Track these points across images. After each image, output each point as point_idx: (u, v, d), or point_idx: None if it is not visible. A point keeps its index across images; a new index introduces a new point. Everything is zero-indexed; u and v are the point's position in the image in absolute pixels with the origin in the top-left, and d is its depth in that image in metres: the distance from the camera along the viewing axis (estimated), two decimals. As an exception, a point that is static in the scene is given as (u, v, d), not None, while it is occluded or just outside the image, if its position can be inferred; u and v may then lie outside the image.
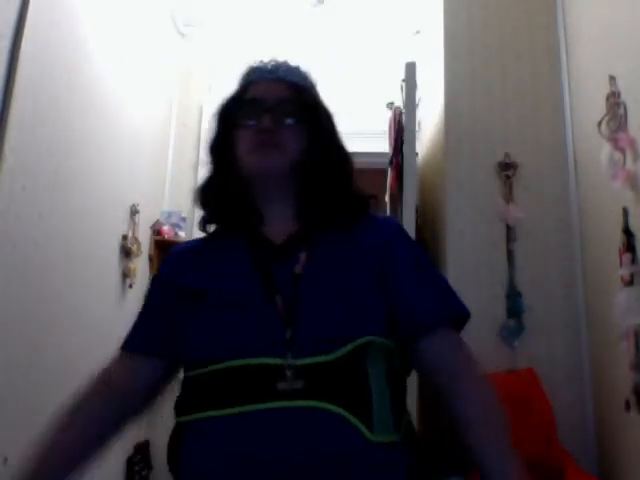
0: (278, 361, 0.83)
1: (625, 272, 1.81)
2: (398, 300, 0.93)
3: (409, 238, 1.05)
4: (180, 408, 0.91)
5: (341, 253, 0.96)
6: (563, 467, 1.95)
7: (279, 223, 1.00)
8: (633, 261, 1.79)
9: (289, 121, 1.00)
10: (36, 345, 1.87)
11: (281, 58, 1.10)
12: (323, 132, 1.03)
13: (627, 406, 1.81)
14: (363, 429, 0.81)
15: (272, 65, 1.08)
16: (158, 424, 2.99)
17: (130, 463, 2.74)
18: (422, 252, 1.04)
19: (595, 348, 2.19)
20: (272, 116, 0.98)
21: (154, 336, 1.02)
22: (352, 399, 0.83)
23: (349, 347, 0.85)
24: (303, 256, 0.93)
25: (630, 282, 1.79)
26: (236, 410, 0.82)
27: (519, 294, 2.32)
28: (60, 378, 2.03)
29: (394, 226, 1.05)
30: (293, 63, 1.10)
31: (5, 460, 1.64)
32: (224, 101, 1.10)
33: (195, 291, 0.94)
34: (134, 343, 1.06)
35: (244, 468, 0.79)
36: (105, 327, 2.46)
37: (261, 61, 1.10)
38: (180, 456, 0.87)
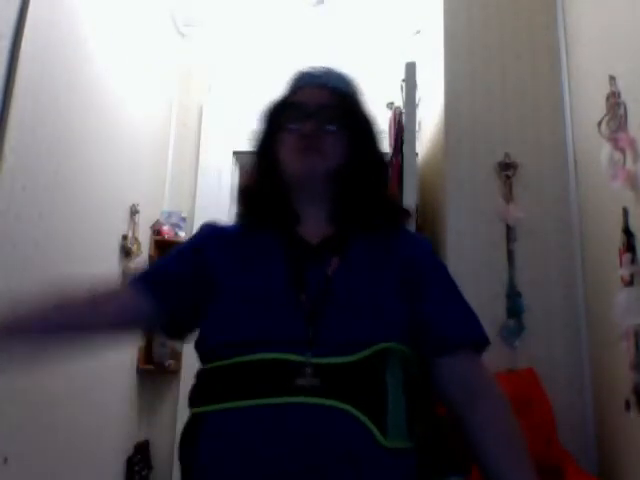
0: (298, 358, 0.84)
1: (625, 272, 1.81)
2: (424, 316, 0.96)
3: (439, 259, 1.08)
4: (196, 399, 0.91)
5: (372, 260, 0.98)
6: (563, 467, 1.95)
7: (314, 224, 1.02)
8: (633, 261, 1.79)
9: (331, 127, 1.02)
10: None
11: (327, 64, 1.12)
12: (364, 139, 1.06)
13: (627, 406, 1.81)
14: (376, 433, 0.82)
15: (318, 71, 1.10)
16: (158, 424, 2.99)
17: (130, 463, 2.75)
18: (450, 274, 1.06)
19: (595, 348, 2.19)
20: (315, 121, 1.01)
21: (166, 290, 1.01)
22: (368, 402, 0.84)
23: (369, 351, 0.86)
24: (335, 260, 0.95)
25: (630, 282, 1.79)
26: (253, 403, 0.82)
27: (519, 294, 2.32)
28: (60, 378, 2.03)
29: (426, 245, 1.08)
30: (338, 70, 1.12)
31: (5, 460, 1.64)
32: (270, 103, 1.12)
33: (225, 283, 0.96)
34: (144, 284, 1.03)
35: (257, 461, 0.80)
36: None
37: (309, 66, 1.12)
38: (194, 447, 0.87)
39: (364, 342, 0.87)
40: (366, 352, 0.86)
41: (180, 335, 1.07)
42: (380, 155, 1.10)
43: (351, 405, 0.82)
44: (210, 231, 1.09)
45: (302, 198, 1.04)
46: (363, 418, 0.82)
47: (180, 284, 1.01)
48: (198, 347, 0.95)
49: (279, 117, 1.07)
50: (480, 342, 0.98)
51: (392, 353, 0.89)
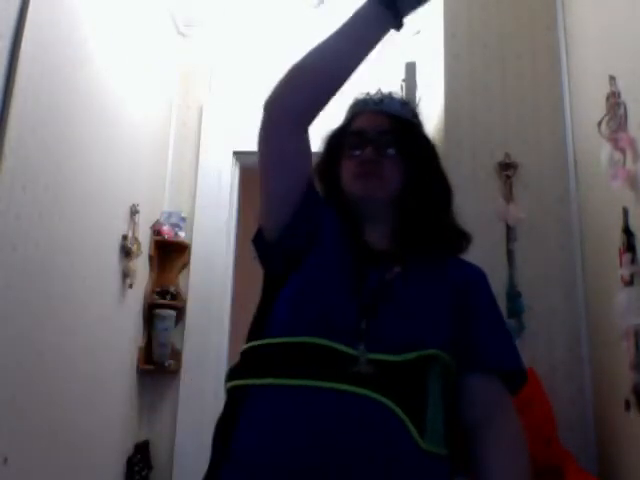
0: (349, 350, 0.87)
1: (625, 272, 1.81)
2: (470, 340, 0.99)
3: (491, 289, 1.11)
4: (238, 374, 0.94)
5: (429, 277, 1.02)
6: (563, 467, 1.95)
7: (376, 240, 1.06)
8: (633, 261, 1.79)
9: (390, 152, 1.07)
10: (36, 345, 1.87)
11: (385, 89, 1.18)
12: (423, 163, 1.09)
13: (627, 406, 1.81)
14: (415, 434, 0.85)
15: (377, 97, 1.15)
16: (158, 424, 2.99)
17: (130, 463, 2.75)
18: (498, 308, 1.09)
19: (595, 348, 2.19)
20: (374, 147, 1.06)
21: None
22: (410, 403, 0.87)
23: (416, 354, 0.89)
24: (397, 269, 0.99)
25: (630, 282, 1.79)
26: (303, 383, 0.86)
27: (519, 294, 2.32)
28: (60, 378, 2.03)
29: (481, 274, 1.12)
30: (396, 95, 1.17)
31: (5, 460, 1.64)
32: (331, 131, 1.17)
33: (310, 259, 0.99)
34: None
35: (293, 439, 0.83)
36: (105, 327, 2.46)
37: (367, 93, 1.18)
38: (237, 418, 0.89)
39: (413, 344, 0.90)
40: (413, 354, 0.89)
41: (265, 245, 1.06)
42: (441, 178, 1.12)
43: (394, 401, 0.85)
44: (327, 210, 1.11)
45: (364, 219, 1.08)
46: (404, 417, 0.85)
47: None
48: (263, 319, 0.97)
49: (341, 144, 1.11)
50: (517, 374, 1.01)
51: (437, 360, 0.92)
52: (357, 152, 1.07)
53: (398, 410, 0.84)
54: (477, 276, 1.10)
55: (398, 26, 1.04)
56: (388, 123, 1.09)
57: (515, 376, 1.01)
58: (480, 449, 0.94)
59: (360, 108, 1.15)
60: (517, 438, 0.95)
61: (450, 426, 0.95)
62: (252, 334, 0.98)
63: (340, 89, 1.01)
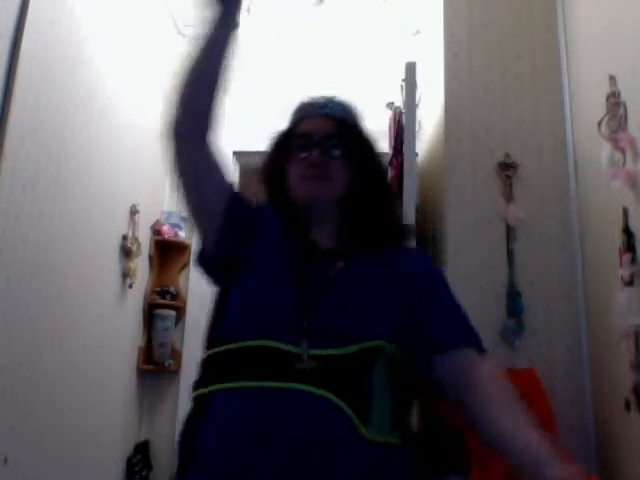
0: (293, 348, 0.90)
1: (625, 272, 1.81)
2: (423, 322, 1.03)
3: (440, 273, 1.16)
4: (199, 384, 0.98)
5: (374, 271, 1.05)
6: (563, 467, 1.95)
7: (322, 239, 1.09)
8: (633, 261, 1.79)
9: (336, 154, 1.10)
10: (36, 345, 1.87)
11: (330, 93, 1.20)
12: (367, 164, 1.13)
13: (627, 406, 1.81)
14: (357, 424, 0.88)
15: (321, 101, 1.17)
16: (158, 424, 2.99)
17: (130, 463, 2.75)
18: (449, 286, 1.13)
19: (595, 348, 2.19)
20: (321, 150, 1.09)
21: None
22: (354, 395, 0.90)
23: (359, 346, 0.92)
24: (341, 264, 1.03)
25: (630, 282, 1.79)
26: (251, 384, 0.90)
27: (519, 294, 2.32)
28: (60, 378, 2.03)
29: (426, 260, 1.18)
30: (340, 99, 1.19)
31: (5, 460, 1.64)
32: (276, 135, 1.20)
33: (250, 265, 1.03)
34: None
35: (245, 438, 0.87)
36: (105, 327, 2.46)
37: (311, 97, 1.20)
38: (200, 425, 0.93)
39: (355, 337, 0.93)
40: (356, 347, 0.92)
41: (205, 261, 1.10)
42: (384, 178, 1.18)
43: (336, 395, 0.88)
44: (263, 210, 1.15)
45: (311, 219, 1.10)
46: (347, 409, 0.88)
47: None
48: (215, 328, 1.02)
49: (286, 147, 1.14)
50: (477, 345, 1.06)
51: (382, 352, 0.95)
52: (304, 155, 1.10)
53: (341, 403, 0.88)
54: (422, 262, 1.14)
55: (229, 21, 1.10)
56: (333, 126, 1.12)
57: (476, 344, 1.06)
58: (478, 417, 0.97)
59: (305, 112, 1.17)
60: (503, 390, 0.99)
61: (404, 415, 0.99)
62: (208, 343, 1.02)
63: (218, 92, 1.09)
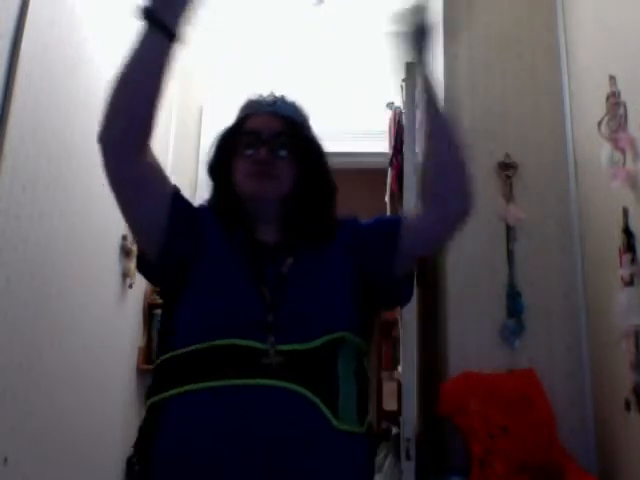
0: (259, 345, 0.92)
1: (625, 272, 1.81)
2: (376, 238, 1.09)
3: (367, 219, 1.18)
4: (156, 390, 0.96)
5: (321, 261, 1.07)
6: (563, 467, 1.95)
7: (267, 237, 1.09)
8: (633, 261, 1.79)
9: (283, 153, 1.10)
10: (36, 345, 1.87)
11: (278, 91, 1.20)
12: (313, 165, 1.14)
13: (627, 406, 1.82)
14: (329, 415, 0.91)
15: (270, 99, 1.17)
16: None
17: (130, 463, 2.74)
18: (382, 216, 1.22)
19: (595, 348, 2.19)
20: (268, 148, 1.08)
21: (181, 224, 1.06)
22: (322, 387, 0.92)
23: (324, 339, 0.95)
24: (290, 260, 1.04)
25: (630, 282, 1.79)
26: (216, 384, 0.90)
27: (519, 294, 2.32)
28: (60, 378, 2.03)
29: (353, 220, 1.17)
30: (289, 98, 1.19)
31: (5, 460, 1.64)
32: (223, 130, 1.20)
33: (202, 268, 1.01)
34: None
35: (216, 438, 0.87)
36: (105, 327, 2.46)
37: (260, 95, 1.19)
38: (155, 434, 0.92)
39: (319, 329, 0.95)
40: (321, 339, 0.94)
41: (148, 271, 1.10)
42: (329, 179, 1.17)
43: (306, 388, 0.90)
44: (201, 211, 1.14)
45: (256, 216, 1.11)
46: (315, 400, 0.90)
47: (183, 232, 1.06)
48: (168, 333, 1.00)
49: (233, 143, 1.14)
50: None
51: (346, 343, 0.98)
52: (251, 152, 1.09)
53: (310, 395, 0.90)
54: (353, 221, 1.16)
55: (168, 33, 1.03)
56: (281, 125, 1.11)
57: None
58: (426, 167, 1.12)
59: (253, 109, 1.17)
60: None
61: (366, 404, 1.00)
62: (161, 349, 1.01)
63: (156, 104, 1.07)
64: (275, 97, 1.17)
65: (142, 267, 1.11)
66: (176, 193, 1.10)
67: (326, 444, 0.90)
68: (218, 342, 0.92)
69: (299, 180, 1.11)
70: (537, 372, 2.15)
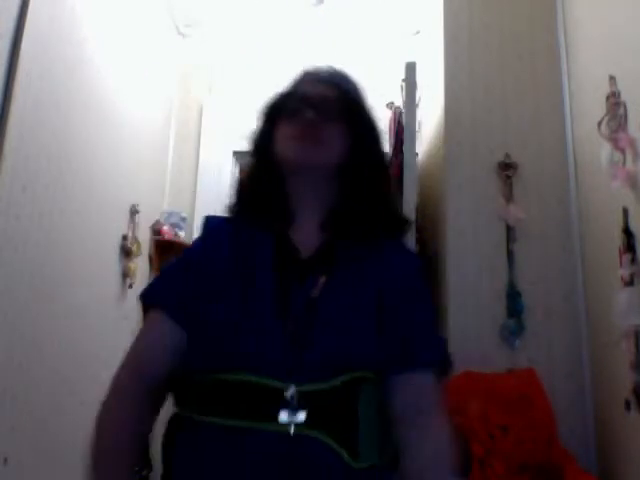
0: (279, 384, 0.83)
1: (625, 272, 1.81)
2: (392, 333, 0.93)
3: (423, 282, 1.03)
4: (184, 402, 0.91)
5: (358, 280, 0.95)
6: (563, 467, 1.95)
7: (307, 229, 0.99)
8: (633, 261, 1.79)
9: (333, 119, 0.98)
10: (36, 345, 1.87)
11: (331, 65, 1.09)
12: (365, 137, 1.02)
13: (627, 406, 1.81)
14: (347, 457, 0.83)
15: (323, 69, 1.07)
16: (158, 424, 2.99)
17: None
18: (428, 296, 1.03)
19: (595, 348, 2.19)
20: (316, 111, 0.97)
21: (188, 302, 0.92)
22: (341, 429, 0.84)
23: (346, 377, 0.86)
24: (322, 280, 0.92)
25: (630, 282, 1.79)
26: (235, 423, 0.82)
27: (519, 294, 2.32)
28: (60, 378, 2.03)
29: (415, 264, 1.04)
30: (343, 70, 1.09)
31: (5, 460, 1.64)
32: (272, 97, 1.07)
33: (218, 295, 0.91)
34: (172, 300, 0.94)
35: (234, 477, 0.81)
36: (105, 327, 2.46)
37: (314, 66, 1.09)
38: (174, 451, 0.90)
39: (343, 368, 0.86)
40: (343, 378, 0.85)
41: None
42: (382, 156, 1.05)
43: (326, 433, 0.82)
44: (213, 232, 1.04)
45: (298, 195, 1.00)
46: (335, 445, 0.82)
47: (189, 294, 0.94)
48: (186, 360, 0.91)
49: (280, 109, 1.02)
50: (440, 364, 0.96)
51: (366, 380, 0.89)
52: (297, 114, 0.97)
53: (330, 441, 0.82)
54: (410, 266, 1.02)
55: None
56: (334, 92, 1.01)
57: (439, 363, 0.96)
58: (405, 454, 0.89)
59: (305, 77, 1.06)
60: (438, 435, 0.90)
61: (387, 436, 0.91)
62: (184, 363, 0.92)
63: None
64: (329, 67, 1.07)
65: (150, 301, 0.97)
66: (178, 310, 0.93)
67: None
68: (236, 376, 0.84)
69: (350, 152, 0.98)
70: (537, 372, 2.15)
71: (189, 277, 0.95)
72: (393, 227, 1.03)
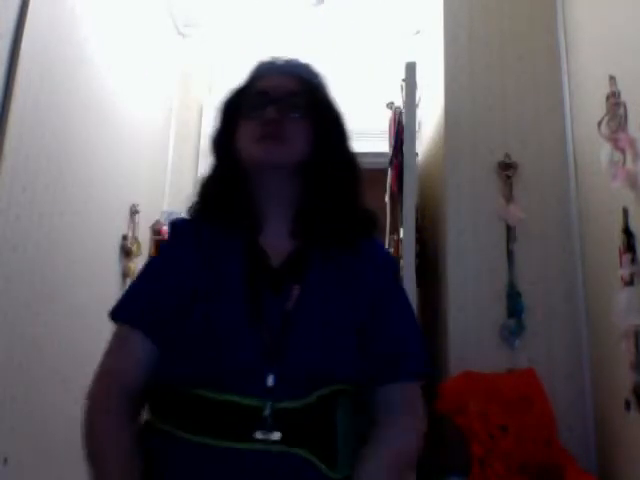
0: (256, 402, 0.81)
1: (625, 272, 1.81)
2: (375, 343, 0.91)
3: (399, 284, 1.03)
4: (162, 414, 0.87)
5: (333, 287, 0.92)
6: (563, 467, 1.95)
7: (276, 235, 0.95)
8: (633, 261, 1.79)
9: (295, 114, 0.94)
10: (36, 345, 1.87)
11: (291, 56, 1.06)
12: (331, 131, 0.98)
13: (627, 406, 1.81)
14: (325, 469, 0.82)
15: (282, 60, 1.04)
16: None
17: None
18: (407, 300, 1.01)
19: (595, 348, 2.19)
20: (278, 108, 0.93)
21: (159, 315, 0.90)
22: (320, 442, 0.84)
23: (324, 391, 0.85)
24: (296, 290, 0.89)
25: (630, 282, 1.79)
26: (209, 442, 0.80)
27: (519, 294, 2.32)
28: (60, 378, 2.03)
29: (391, 266, 1.01)
30: (304, 60, 1.05)
31: (5, 460, 1.64)
32: (230, 93, 1.05)
33: (192, 309, 0.88)
34: (140, 315, 0.92)
35: None
36: (105, 327, 2.46)
37: (271, 56, 1.06)
38: (157, 465, 0.84)
39: (320, 382, 0.85)
40: (321, 392, 0.84)
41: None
42: (348, 150, 1.00)
43: (306, 449, 0.81)
44: (179, 238, 1.00)
45: (264, 196, 0.96)
46: (316, 461, 0.82)
47: (166, 307, 0.91)
48: (160, 373, 0.89)
49: (240, 106, 0.99)
50: (423, 375, 0.95)
51: (344, 392, 0.88)
52: (258, 113, 0.93)
53: (310, 456, 0.81)
54: (386, 268, 0.98)
55: None
56: (294, 85, 0.97)
57: (419, 374, 0.95)
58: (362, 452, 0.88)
59: (263, 70, 1.03)
60: (400, 443, 0.89)
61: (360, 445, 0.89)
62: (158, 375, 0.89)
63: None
64: (288, 58, 1.04)
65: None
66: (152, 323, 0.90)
67: None
68: (209, 394, 0.82)
69: (314, 147, 0.95)
70: (537, 372, 2.15)
71: (158, 290, 0.93)
72: (362, 225, 0.99)
